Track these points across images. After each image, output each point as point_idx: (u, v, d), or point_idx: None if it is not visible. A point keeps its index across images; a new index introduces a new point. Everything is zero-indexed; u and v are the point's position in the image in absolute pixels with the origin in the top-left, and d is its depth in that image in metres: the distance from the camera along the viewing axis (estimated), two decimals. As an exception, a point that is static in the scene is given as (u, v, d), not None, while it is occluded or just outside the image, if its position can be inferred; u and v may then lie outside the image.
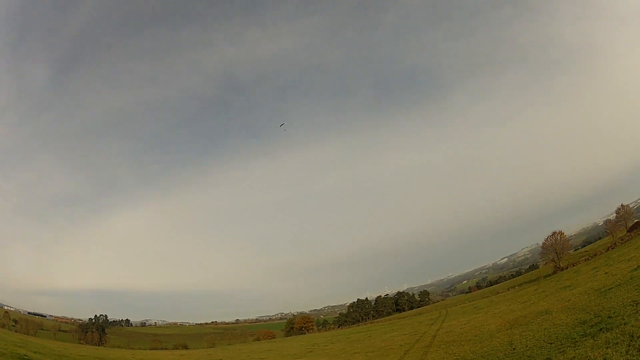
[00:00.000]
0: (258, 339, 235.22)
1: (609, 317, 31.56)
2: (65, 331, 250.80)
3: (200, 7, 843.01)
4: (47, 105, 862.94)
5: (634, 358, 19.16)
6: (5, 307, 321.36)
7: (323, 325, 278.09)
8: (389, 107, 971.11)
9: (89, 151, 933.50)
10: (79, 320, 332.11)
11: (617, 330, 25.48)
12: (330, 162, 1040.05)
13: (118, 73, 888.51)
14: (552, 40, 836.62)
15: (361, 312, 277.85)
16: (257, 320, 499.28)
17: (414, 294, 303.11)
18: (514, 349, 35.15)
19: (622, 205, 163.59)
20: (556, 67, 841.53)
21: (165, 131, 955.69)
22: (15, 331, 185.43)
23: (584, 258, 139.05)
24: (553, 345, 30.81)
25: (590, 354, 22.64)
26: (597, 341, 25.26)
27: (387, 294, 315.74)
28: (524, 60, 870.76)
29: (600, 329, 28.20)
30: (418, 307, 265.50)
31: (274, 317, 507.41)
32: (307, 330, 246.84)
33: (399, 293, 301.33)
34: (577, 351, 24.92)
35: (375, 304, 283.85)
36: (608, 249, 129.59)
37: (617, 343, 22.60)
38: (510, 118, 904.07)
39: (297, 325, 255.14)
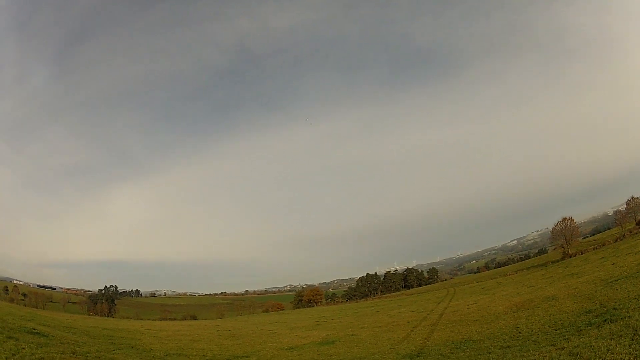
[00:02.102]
0: (267, 311, 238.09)
1: (614, 308, 31.62)
2: (74, 303, 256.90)
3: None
4: (57, 78, 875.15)
5: (637, 352, 19.41)
6: (15, 281, 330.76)
7: (332, 298, 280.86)
8: (404, 83, 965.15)
9: (100, 123, 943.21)
10: (89, 291, 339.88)
11: (622, 323, 25.62)
12: (343, 135, 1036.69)
13: (130, 45, 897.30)
14: (567, 28, 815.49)
15: (370, 286, 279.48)
16: (266, 292, 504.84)
17: (422, 271, 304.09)
18: (520, 332, 35.39)
19: (632, 197, 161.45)
20: (571, 56, 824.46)
21: (177, 102, 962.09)
22: (25, 305, 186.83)
23: (592, 247, 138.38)
24: (558, 332, 31.02)
25: (594, 343, 22.89)
26: (602, 331, 25.48)
27: (396, 270, 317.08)
28: (538, 47, 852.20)
29: (605, 320, 28.33)
30: (426, 284, 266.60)
31: (282, 289, 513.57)
32: (316, 303, 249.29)
33: (408, 269, 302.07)
34: (581, 340, 25.16)
35: (384, 279, 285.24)
36: (616, 240, 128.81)
37: (621, 335, 22.80)
38: (524, 102, 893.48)
39: (305, 298, 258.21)
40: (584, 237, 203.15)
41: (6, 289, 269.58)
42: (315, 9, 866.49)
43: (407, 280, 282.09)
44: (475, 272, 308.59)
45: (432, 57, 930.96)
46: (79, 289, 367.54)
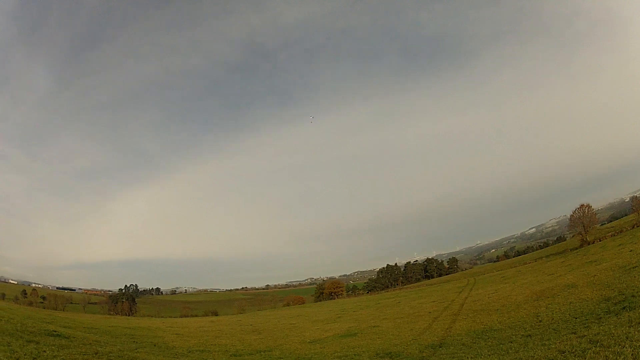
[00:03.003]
0: (288, 305, 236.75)
1: (632, 295, 31.82)
2: (94, 303, 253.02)
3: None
4: (70, 81, 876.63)
5: (655, 339, 19.77)
6: (33, 285, 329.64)
7: (352, 290, 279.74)
8: (416, 73, 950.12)
9: (114, 124, 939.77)
10: (109, 291, 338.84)
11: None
12: (357, 127, 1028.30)
13: (140, 45, 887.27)
14: (576, 12, 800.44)
15: (390, 278, 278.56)
16: (286, 286, 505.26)
17: (442, 261, 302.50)
18: (540, 321, 35.64)
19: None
20: (581, 41, 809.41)
21: (190, 100, 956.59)
22: (44, 307, 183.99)
23: (610, 233, 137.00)
24: (578, 320, 31.33)
25: (613, 331, 23.23)
26: (621, 319, 25.79)
27: (417, 260, 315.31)
28: (549, 32, 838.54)
29: (624, 307, 28.60)
30: (446, 274, 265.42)
31: (303, 283, 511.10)
32: (337, 295, 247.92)
33: (428, 260, 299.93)
34: (601, 327, 25.46)
35: (404, 270, 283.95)
36: (633, 227, 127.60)
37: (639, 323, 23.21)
38: (536, 88, 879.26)
39: (326, 291, 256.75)
40: (602, 224, 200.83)
41: (24, 292, 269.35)
42: (324, 1, 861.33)
43: (428, 270, 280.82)
44: (494, 261, 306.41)
45: (442, 46, 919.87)
46: (99, 289, 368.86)
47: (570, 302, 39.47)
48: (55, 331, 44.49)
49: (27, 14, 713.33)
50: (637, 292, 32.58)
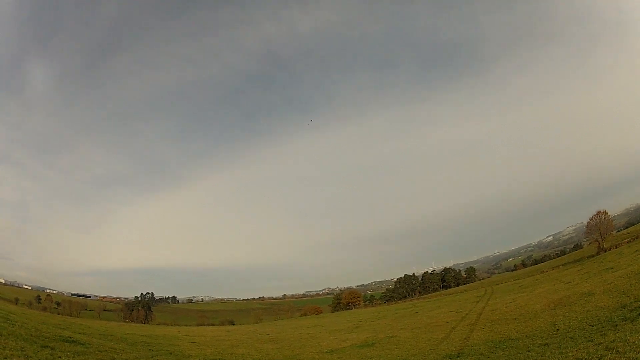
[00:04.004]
0: (305, 314, 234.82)
1: (648, 302, 31.90)
2: (110, 310, 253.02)
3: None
4: (86, 89, 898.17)
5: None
6: (48, 290, 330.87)
7: (370, 300, 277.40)
8: (432, 80, 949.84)
9: (131, 133, 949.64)
10: (125, 299, 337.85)
11: (655, 316, 26.04)
12: (375, 135, 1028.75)
13: (158, 55, 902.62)
14: (588, 14, 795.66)
15: (408, 287, 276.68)
16: (304, 296, 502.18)
17: (460, 270, 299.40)
18: (557, 329, 35.63)
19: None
20: (594, 42, 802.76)
21: (207, 109, 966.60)
22: (58, 313, 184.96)
23: (626, 240, 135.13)
24: (594, 327, 31.33)
25: (629, 338, 23.35)
26: (636, 326, 25.87)
27: (434, 270, 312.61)
28: (562, 34, 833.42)
29: (639, 314, 28.67)
30: (464, 284, 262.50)
31: (320, 292, 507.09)
32: (354, 305, 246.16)
33: (445, 269, 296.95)
34: (617, 334, 25.57)
35: (422, 279, 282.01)
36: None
37: (654, 329, 23.33)
38: (551, 92, 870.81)
39: (344, 301, 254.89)
40: (618, 230, 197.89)
41: (38, 297, 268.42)
42: (340, 10, 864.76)
43: (445, 280, 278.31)
44: (512, 270, 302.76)
45: (458, 52, 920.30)
46: (115, 296, 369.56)
47: (587, 310, 39.35)
48: (70, 337, 44.39)
49: (44, 22, 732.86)
50: (653, 298, 32.52)
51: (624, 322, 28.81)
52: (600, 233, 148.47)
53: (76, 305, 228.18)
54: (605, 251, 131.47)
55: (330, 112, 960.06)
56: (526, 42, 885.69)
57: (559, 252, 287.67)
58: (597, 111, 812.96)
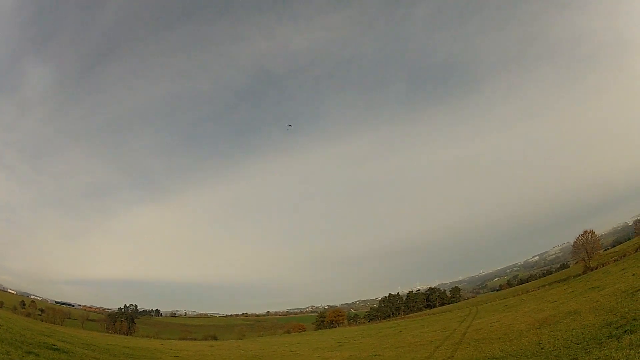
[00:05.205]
0: (288, 332, 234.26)
1: (634, 319, 31.42)
2: (93, 320, 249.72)
3: (232, 2, 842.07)
4: (78, 99, 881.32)
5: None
6: (32, 297, 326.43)
7: (354, 319, 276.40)
8: (422, 101, 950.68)
9: (120, 143, 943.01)
10: (108, 309, 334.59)
11: (641, 333, 25.55)
12: (363, 156, 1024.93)
13: (151, 67, 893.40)
14: (581, 35, 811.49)
15: (392, 307, 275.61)
16: (287, 313, 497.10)
17: (445, 290, 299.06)
18: (542, 348, 35.18)
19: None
20: (587, 63, 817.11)
21: (197, 124, 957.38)
22: (42, 320, 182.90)
23: (613, 258, 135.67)
24: (580, 345, 30.85)
25: (614, 354, 22.86)
26: (621, 343, 25.38)
27: (419, 290, 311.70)
28: (555, 56, 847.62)
29: (625, 331, 28.19)
30: (449, 303, 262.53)
31: (304, 310, 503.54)
32: (338, 324, 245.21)
33: (430, 289, 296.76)
34: (602, 352, 25.09)
35: (406, 299, 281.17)
36: (637, 250, 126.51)
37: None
38: (541, 113, 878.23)
39: (327, 319, 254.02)
40: (605, 249, 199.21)
41: (23, 303, 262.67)
42: (333, 29, 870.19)
43: (430, 299, 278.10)
44: (497, 290, 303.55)
45: (449, 73, 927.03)
46: (98, 307, 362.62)
47: (573, 329, 38.94)
48: (54, 345, 44.73)
49: (40, 26, 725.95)
50: (639, 315, 32.10)
51: (610, 339, 28.31)
52: (587, 252, 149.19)
53: (60, 313, 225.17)
54: (592, 270, 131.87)
55: (319, 130, 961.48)
56: (518, 63, 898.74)
57: (545, 272, 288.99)
58: (587, 132, 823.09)
